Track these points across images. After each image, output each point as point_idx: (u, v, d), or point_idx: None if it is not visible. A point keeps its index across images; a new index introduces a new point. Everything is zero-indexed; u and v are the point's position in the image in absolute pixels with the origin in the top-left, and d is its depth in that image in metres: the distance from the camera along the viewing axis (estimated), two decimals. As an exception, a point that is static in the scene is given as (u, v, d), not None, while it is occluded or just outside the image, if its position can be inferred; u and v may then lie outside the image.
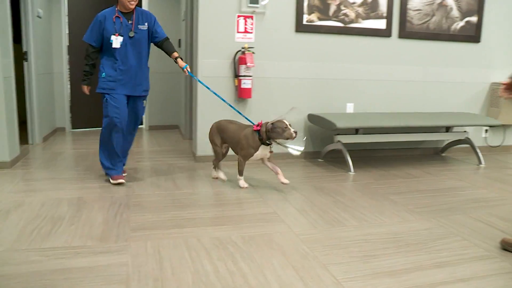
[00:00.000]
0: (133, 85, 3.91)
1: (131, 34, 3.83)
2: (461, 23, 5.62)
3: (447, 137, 5.28)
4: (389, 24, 5.27)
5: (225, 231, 2.90)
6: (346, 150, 4.70)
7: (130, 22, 3.84)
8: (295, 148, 3.98)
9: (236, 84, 4.79)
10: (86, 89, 3.96)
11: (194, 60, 4.93)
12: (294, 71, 4.99)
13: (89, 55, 3.86)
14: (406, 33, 5.36)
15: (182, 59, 4.06)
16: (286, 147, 3.98)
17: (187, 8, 5.91)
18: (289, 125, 3.60)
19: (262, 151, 3.76)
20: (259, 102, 4.93)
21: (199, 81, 4.21)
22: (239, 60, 4.68)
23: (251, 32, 4.79)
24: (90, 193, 3.64)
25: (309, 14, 4.92)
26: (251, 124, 3.86)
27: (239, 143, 3.78)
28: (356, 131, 4.79)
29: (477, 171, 4.84)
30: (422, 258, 2.57)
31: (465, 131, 5.35)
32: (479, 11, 5.67)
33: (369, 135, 4.79)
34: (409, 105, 5.50)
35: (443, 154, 5.70)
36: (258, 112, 4.94)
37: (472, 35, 5.68)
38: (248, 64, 4.58)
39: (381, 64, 5.32)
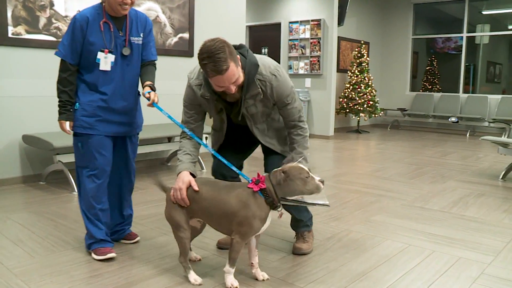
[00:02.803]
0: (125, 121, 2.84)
1: (126, 51, 2.73)
2: (175, 39, 5.99)
3: (170, 147, 5.54)
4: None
5: None
6: (67, 170, 4.50)
7: (121, 33, 2.73)
8: (322, 201, 2.39)
9: None
10: (67, 126, 2.69)
11: None
12: (3, 89, 4.54)
13: (67, 78, 2.65)
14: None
15: (153, 89, 2.77)
16: (308, 204, 2.39)
17: None
18: (309, 171, 2.29)
19: (268, 220, 2.37)
20: (-39, 124, 4.33)
21: (162, 110, 2.80)
22: None
23: None
24: None
25: (15, 26, 4.55)
26: (243, 182, 2.43)
27: (234, 216, 2.30)
28: (79, 148, 4.63)
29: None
30: (145, 268, 2.63)
31: (187, 140, 5.70)
32: (190, 28, 6.14)
33: (93, 151, 4.68)
34: (133, 119, 5.59)
35: (169, 164, 5.97)
36: (-39, 136, 4.33)
37: (185, 50, 6.10)
38: None
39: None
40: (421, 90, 11.72)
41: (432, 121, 10.69)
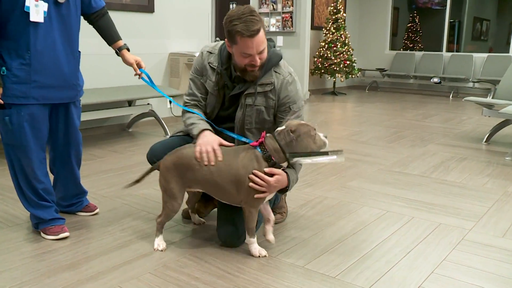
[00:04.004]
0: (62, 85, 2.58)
1: None
2: (133, -8, 5.82)
3: (131, 112, 5.46)
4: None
5: None
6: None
7: None
8: (336, 155, 2.31)
9: None
10: None
11: None
12: None
13: None
14: (75, 1, 5.26)
15: (129, 50, 2.82)
16: (320, 159, 2.31)
17: None
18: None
19: None
20: None
21: (155, 87, 2.77)
22: None
23: None
24: None
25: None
26: (245, 144, 2.45)
27: (239, 184, 2.32)
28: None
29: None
30: (105, 241, 2.61)
31: (148, 104, 5.63)
32: (150, -20, 5.97)
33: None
34: (86, 81, 5.45)
35: (130, 130, 5.89)
36: None
37: (145, 5, 5.94)
38: None
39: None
40: (401, 49, 11.79)
41: (413, 82, 10.80)
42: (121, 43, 2.81)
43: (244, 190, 2.31)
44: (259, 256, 2.44)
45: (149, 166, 3.91)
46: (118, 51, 2.81)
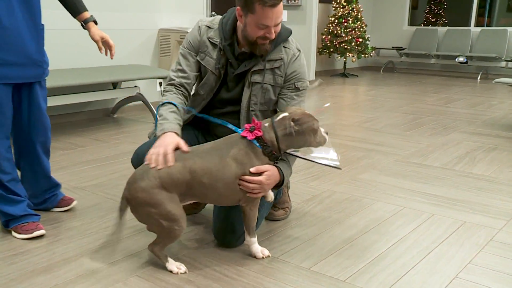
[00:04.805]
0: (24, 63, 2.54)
1: None
2: (118, -41, 5.78)
3: (116, 95, 5.44)
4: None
5: None
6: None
7: None
8: (332, 161, 2.40)
9: None
10: None
11: None
12: None
13: None
14: (52, -31, 5.24)
15: (96, 23, 2.86)
16: (316, 161, 2.41)
17: None
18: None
19: None
20: None
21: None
22: None
23: None
24: None
25: None
26: (226, 137, 2.36)
27: (237, 184, 2.28)
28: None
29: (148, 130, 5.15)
30: (86, 241, 2.61)
31: (136, 86, 5.61)
32: None
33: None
34: (64, 60, 5.43)
35: (115, 115, 5.88)
36: None
37: (131, -27, 5.91)
38: None
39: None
40: (422, 24, 11.74)
41: (435, 62, 10.76)
42: (87, 14, 2.82)
43: (244, 190, 2.27)
44: (262, 258, 2.44)
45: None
46: (84, 24, 2.82)
